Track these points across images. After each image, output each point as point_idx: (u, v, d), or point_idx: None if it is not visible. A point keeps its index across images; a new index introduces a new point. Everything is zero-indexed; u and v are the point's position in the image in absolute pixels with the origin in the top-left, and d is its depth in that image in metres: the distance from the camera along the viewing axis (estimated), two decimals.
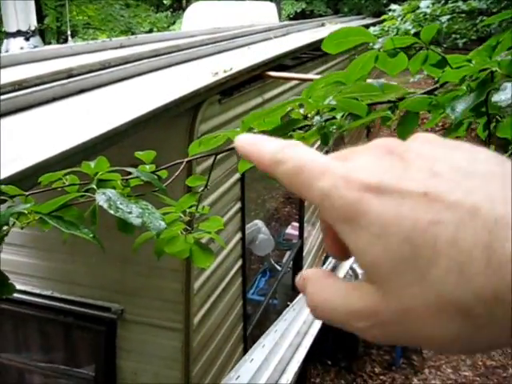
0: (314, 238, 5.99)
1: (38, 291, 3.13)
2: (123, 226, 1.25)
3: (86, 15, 17.87)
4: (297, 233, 5.82)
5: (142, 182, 1.40)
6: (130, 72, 3.09)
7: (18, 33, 5.40)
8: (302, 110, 1.32)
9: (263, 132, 1.37)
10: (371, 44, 1.57)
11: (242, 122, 1.41)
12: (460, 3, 6.08)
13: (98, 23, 17.71)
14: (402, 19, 6.24)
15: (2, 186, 1.24)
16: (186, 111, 2.56)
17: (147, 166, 1.42)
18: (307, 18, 22.84)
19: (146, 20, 18.07)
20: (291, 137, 1.40)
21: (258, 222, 5.05)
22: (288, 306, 5.47)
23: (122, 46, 4.30)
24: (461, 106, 1.42)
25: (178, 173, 1.45)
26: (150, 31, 19.41)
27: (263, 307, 4.32)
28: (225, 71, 3.20)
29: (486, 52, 1.60)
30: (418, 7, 6.13)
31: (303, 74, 4.71)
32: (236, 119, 3.23)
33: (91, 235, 1.20)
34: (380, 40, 1.51)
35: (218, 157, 1.56)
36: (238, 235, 3.50)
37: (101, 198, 1.16)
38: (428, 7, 5.95)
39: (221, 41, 4.45)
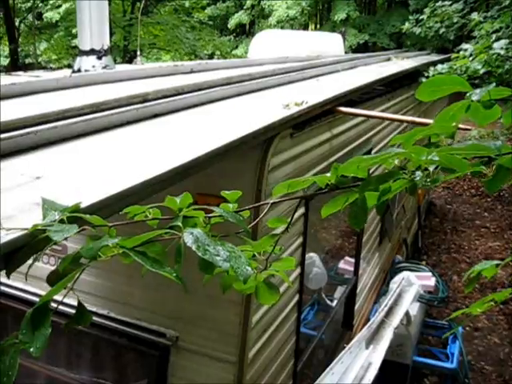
0: (368, 275, 5.87)
1: (94, 309, 3.14)
2: (206, 266, 1.22)
3: (152, 35, 18.30)
4: (349, 268, 5.71)
5: (223, 219, 1.38)
6: (202, 99, 3.10)
7: (92, 51, 5.52)
8: (396, 161, 1.28)
9: (357, 179, 1.33)
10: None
11: (334, 167, 1.37)
12: None
13: (163, 44, 18.11)
14: (472, 58, 6.12)
15: (87, 216, 1.24)
16: (258, 144, 2.55)
17: (230, 205, 1.40)
18: (370, 50, 22.82)
19: (209, 43, 18.37)
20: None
21: (313, 256, 4.97)
22: (336, 342, 5.37)
23: (192, 71, 4.35)
24: None
25: (262, 215, 1.42)
26: (213, 54, 19.75)
27: (314, 343, 4.22)
28: (296, 104, 3.19)
29: None
30: (490, 47, 6.00)
31: (370, 109, 4.66)
32: (305, 153, 3.20)
33: (174, 274, 1.19)
34: (477, 91, 1.46)
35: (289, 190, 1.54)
36: (298, 270, 3.44)
37: (189, 239, 1.14)
38: (502, 48, 5.82)
39: (290, 71, 4.45)
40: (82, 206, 1.37)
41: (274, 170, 2.73)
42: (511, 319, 8.32)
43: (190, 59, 17.22)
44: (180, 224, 1.21)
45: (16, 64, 18.37)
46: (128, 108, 2.57)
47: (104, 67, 5.54)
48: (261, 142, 2.56)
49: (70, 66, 5.42)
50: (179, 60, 17.04)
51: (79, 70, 5.38)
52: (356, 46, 22.29)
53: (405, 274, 5.45)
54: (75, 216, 1.22)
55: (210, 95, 3.21)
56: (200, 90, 3.18)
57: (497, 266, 2.47)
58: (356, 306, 5.44)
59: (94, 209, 1.42)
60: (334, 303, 5.53)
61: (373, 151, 4.90)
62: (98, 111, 2.44)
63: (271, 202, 1.36)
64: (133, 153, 2.04)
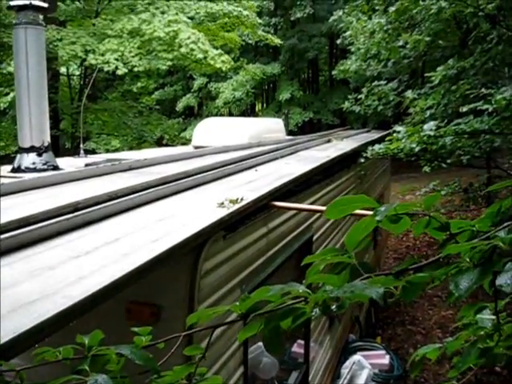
0: (320, 359, 5.80)
1: None
2: None
3: (101, 121, 18.45)
4: (303, 351, 5.65)
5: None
6: (136, 201, 3.12)
7: (32, 148, 5.53)
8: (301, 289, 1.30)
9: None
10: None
11: (242, 298, 1.38)
12: (462, 125, 6.25)
13: (111, 129, 18.25)
14: (405, 140, 6.39)
15: None
16: (190, 249, 2.55)
17: (143, 338, 1.40)
18: (315, 127, 23.49)
19: (157, 128, 18.62)
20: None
21: (262, 345, 4.90)
22: None
23: (130, 169, 4.38)
24: (465, 283, 1.40)
25: (176, 347, 1.41)
26: (161, 138, 19.97)
27: None
28: (231, 201, 3.23)
29: (488, 219, 1.61)
30: (422, 129, 6.29)
31: (309, 196, 4.77)
32: (241, 252, 3.21)
33: None
34: (382, 209, 1.53)
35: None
36: (240, 370, 3.38)
37: None
38: (431, 130, 6.11)
39: (229, 164, 4.53)
40: None
41: (206, 274, 2.72)
42: None
43: (138, 143, 17.35)
44: (87, 367, 1.20)
45: None
46: (58, 219, 2.55)
47: (44, 164, 5.53)
48: (192, 247, 2.56)
49: (17, 153, 5.37)
50: (127, 145, 17.15)
51: (19, 167, 5.36)
52: (301, 124, 22.92)
53: (355, 357, 5.43)
54: None
55: (146, 197, 3.22)
56: (135, 192, 3.20)
57: (440, 348, 2.50)
58: None
59: (8, 346, 1.39)
60: None
61: (314, 237, 4.98)
62: (27, 225, 2.42)
63: (183, 334, 1.35)
64: (55, 272, 2.01)
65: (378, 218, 1.47)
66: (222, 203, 3.22)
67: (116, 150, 17.10)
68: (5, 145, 21.66)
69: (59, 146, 18.44)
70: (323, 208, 4.16)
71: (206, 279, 2.71)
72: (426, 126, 6.20)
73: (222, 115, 25.33)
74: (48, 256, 2.24)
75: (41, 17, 5.63)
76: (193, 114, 28.33)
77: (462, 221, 1.57)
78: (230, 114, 26.30)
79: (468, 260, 1.45)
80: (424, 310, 11.32)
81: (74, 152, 16.36)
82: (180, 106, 26.46)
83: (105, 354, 1.28)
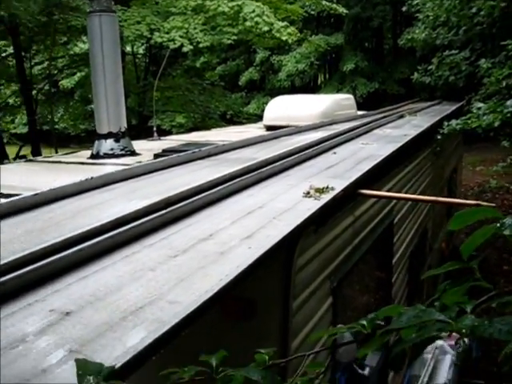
0: None
1: None
2: None
3: (166, 98, 18.63)
4: None
5: None
6: (221, 193, 3.10)
7: (109, 135, 5.64)
8: None
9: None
10: None
11: (369, 320, 1.33)
12: None
13: (176, 106, 18.42)
14: (487, 116, 6.14)
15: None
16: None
17: (266, 357, 1.38)
18: (380, 98, 22.95)
19: (221, 104, 18.63)
20: None
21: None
22: None
23: (209, 155, 4.39)
24: None
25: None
26: (225, 113, 20.02)
27: None
28: (317, 190, 3.17)
29: None
30: (504, 105, 6.01)
31: (389, 179, 4.65)
32: (330, 245, 3.16)
33: None
34: (508, 222, 1.46)
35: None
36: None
37: None
38: None
39: (307, 148, 4.46)
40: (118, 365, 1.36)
41: (300, 270, 2.69)
42: None
43: (204, 120, 17.46)
44: None
45: (34, 133, 18.55)
46: (151, 216, 2.57)
47: (122, 149, 5.64)
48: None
49: (86, 131, 5.45)
50: (192, 121, 17.28)
51: (98, 154, 5.49)
52: (366, 95, 22.45)
53: (438, 342, 5.31)
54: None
55: (230, 188, 3.21)
56: (218, 184, 3.18)
57: None
58: (389, 376, 5.29)
59: (128, 365, 1.40)
60: (367, 371, 5.37)
61: (395, 220, 4.86)
62: (122, 225, 2.45)
63: (307, 353, 1.31)
64: (155, 274, 2.01)
65: (507, 233, 1.41)
66: (308, 192, 3.16)
67: (181, 127, 17.28)
68: (74, 123, 22.24)
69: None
70: (413, 196, 4.07)
71: (299, 274, 2.67)
72: (509, 102, 5.93)
73: (284, 88, 25.10)
74: (146, 255, 2.26)
75: (113, 3, 5.69)
76: (255, 88, 28.22)
77: None
78: (293, 87, 26.02)
79: None
80: (499, 286, 11.01)
81: (140, 128, 16.62)
82: (243, 80, 26.39)
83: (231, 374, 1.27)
